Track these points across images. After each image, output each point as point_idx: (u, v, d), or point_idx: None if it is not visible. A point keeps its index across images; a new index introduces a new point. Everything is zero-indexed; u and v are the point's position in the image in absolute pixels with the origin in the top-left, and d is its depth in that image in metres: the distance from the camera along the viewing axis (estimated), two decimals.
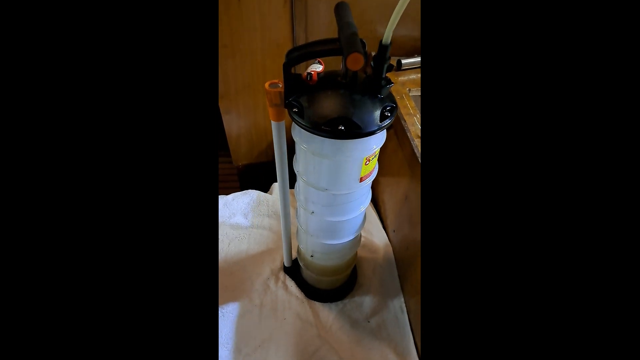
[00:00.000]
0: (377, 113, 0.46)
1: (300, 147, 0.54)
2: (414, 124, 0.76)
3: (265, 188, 1.21)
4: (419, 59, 0.96)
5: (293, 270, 0.87)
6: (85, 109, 0.27)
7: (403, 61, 0.95)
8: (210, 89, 0.31)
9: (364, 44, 0.45)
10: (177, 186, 0.30)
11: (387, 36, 0.42)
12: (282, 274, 0.87)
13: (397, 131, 0.81)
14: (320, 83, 0.49)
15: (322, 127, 0.45)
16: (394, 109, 0.48)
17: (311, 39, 0.95)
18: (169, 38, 0.29)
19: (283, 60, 0.47)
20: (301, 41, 0.96)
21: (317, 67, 0.51)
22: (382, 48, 0.43)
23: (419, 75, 0.93)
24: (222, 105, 1.06)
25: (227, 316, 0.80)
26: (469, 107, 0.30)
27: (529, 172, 0.29)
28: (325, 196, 0.58)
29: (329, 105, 0.46)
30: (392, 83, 0.48)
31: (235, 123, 1.11)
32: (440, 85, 0.31)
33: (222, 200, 1.05)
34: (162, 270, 0.30)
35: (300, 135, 0.52)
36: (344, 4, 0.48)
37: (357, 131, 0.45)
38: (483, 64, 0.30)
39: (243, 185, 1.27)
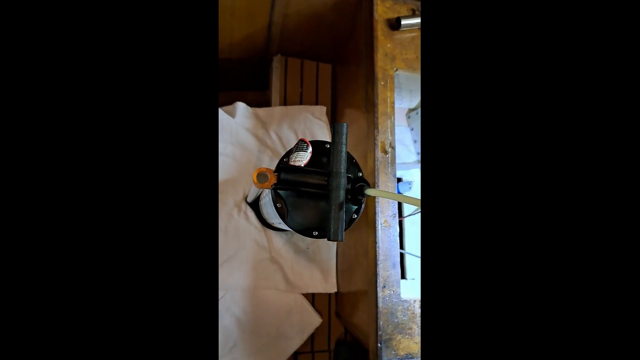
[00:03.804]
0: (347, 219, 0.56)
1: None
2: (385, 130, 0.79)
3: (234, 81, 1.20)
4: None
5: (254, 204, 1.04)
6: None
7: (403, 21, 0.83)
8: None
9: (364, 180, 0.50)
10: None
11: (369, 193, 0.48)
12: (244, 205, 1.04)
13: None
14: None
15: (300, 230, 0.55)
16: (360, 210, 0.57)
17: None
18: None
19: None
20: None
21: (303, 157, 0.53)
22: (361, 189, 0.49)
23: (418, 44, 0.85)
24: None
25: None
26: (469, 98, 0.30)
27: (529, 170, 0.28)
28: None
29: (309, 214, 0.54)
30: (365, 197, 0.55)
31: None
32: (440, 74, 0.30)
33: None
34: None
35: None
36: (342, 128, 0.47)
37: (328, 236, 0.56)
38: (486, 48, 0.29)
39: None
